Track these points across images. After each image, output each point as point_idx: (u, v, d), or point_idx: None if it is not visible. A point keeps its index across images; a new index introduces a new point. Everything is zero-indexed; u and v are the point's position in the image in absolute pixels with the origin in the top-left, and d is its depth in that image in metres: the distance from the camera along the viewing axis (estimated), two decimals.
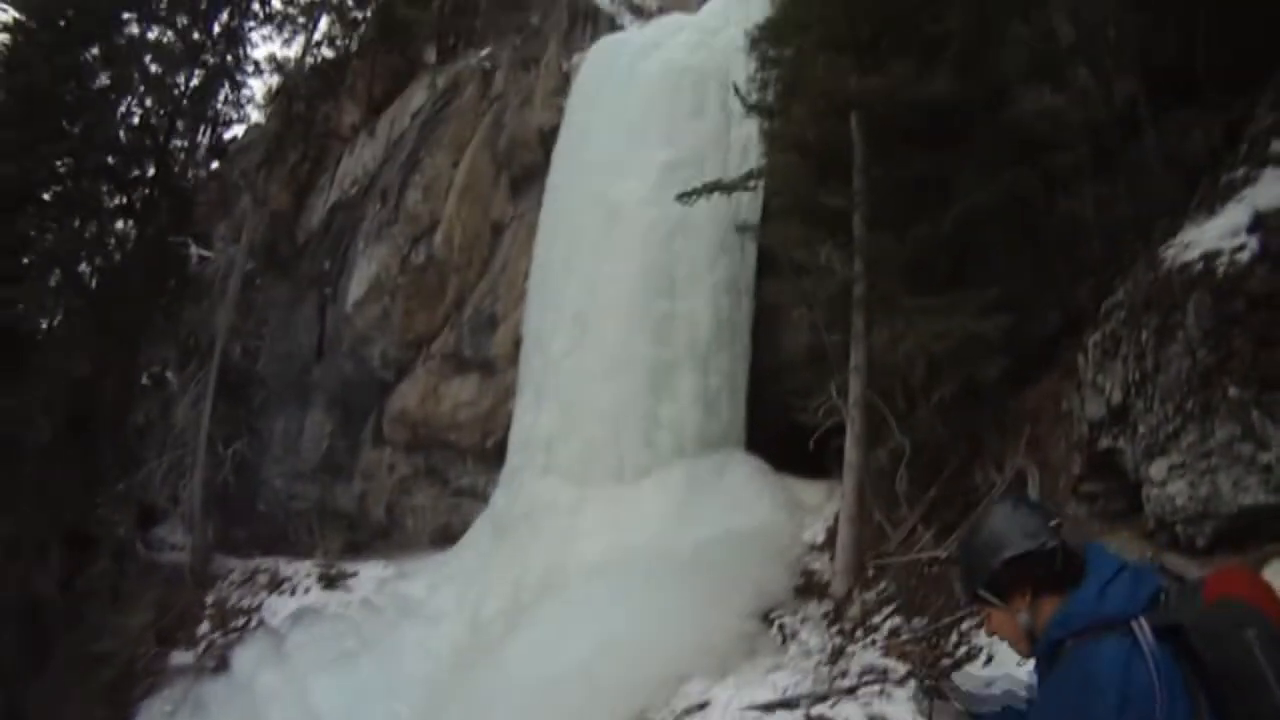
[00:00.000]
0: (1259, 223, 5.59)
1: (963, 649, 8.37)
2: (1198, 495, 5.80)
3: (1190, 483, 5.85)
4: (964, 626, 8.71)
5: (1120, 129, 9.03)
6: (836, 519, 10.38)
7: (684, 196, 11.98)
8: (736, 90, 12.79)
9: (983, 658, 8.07)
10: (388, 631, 12.60)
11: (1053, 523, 2.84)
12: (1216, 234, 5.91)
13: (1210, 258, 5.86)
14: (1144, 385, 6.54)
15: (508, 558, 10.97)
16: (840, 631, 9.59)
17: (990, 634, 3.19)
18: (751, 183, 12.40)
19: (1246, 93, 7.22)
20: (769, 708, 8.72)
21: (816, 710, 8.48)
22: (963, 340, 9.26)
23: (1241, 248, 5.64)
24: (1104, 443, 7.13)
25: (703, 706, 9.07)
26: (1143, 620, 2.66)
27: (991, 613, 3.04)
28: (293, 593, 15.25)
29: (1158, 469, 6.22)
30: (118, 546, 16.72)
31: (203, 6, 20.03)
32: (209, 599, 15.66)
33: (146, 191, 18.48)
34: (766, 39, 12.40)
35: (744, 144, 14.42)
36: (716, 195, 13.69)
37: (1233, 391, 5.59)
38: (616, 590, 9.59)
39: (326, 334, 19.77)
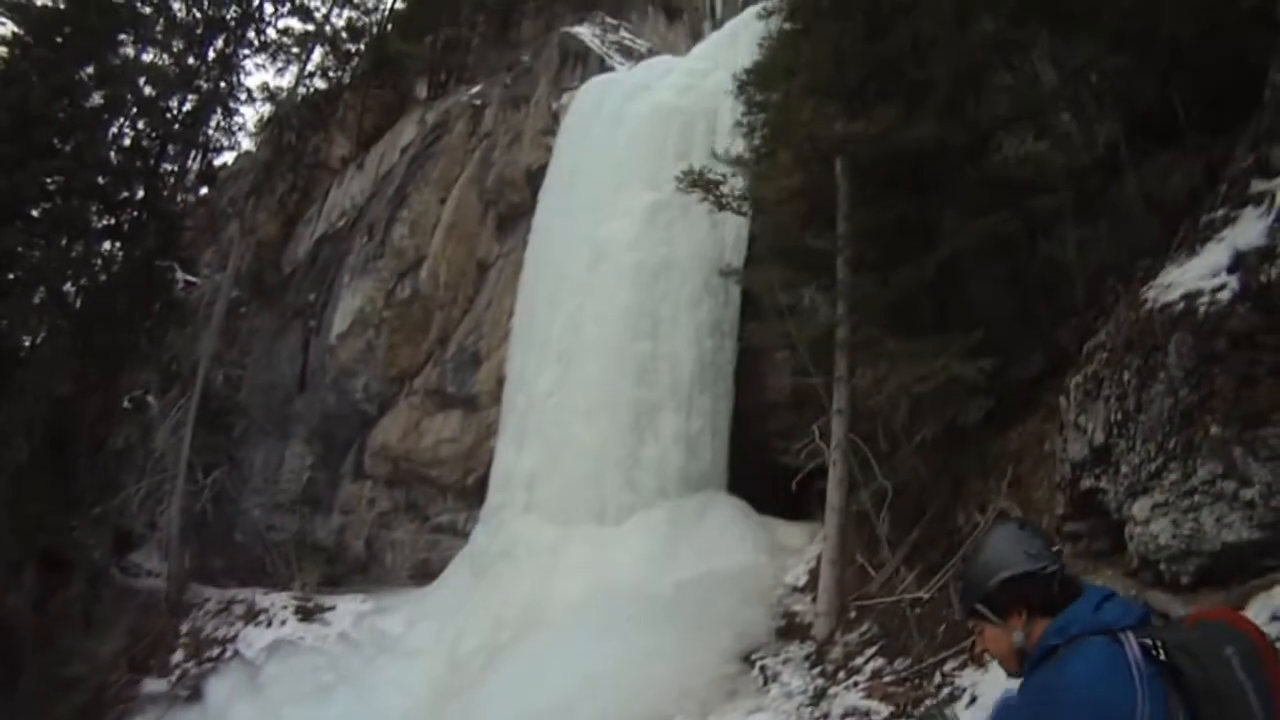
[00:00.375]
0: (1239, 262, 5.65)
1: (946, 690, 8.33)
2: (1181, 533, 5.81)
3: (1173, 521, 5.86)
4: (947, 667, 8.70)
5: (1102, 172, 9.15)
6: (818, 560, 10.34)
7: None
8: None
9: (966, 698, 8.04)
10: (364, 666, 12.42)
11: (1055, 548, 2.88)
12: (1197, 274, 5.96)
13: (1191, 297, 5.91)
14: (1126, 425, 6.58)
15: (487, 595, 10.85)
16: (822, 673, 9.50)
17: (980, 650, 3.21)
18: (740, 205, 12.42)
19: (1226, 133, 7.33)
20: None
21: None
22: (945, 382, 9.30)
23: (1222, 287, 5.70)
24: (1086, 483, 7.15)
25: None
26: (1130, 633, 2.67)
27: (985, 629, 3.06)
28: (269, 624, 15.03)
29: (1140, 508, 6.23)
30: (93, 570, 16.43)
31: (198, 31, 20.13)
32: (183, 627, 15.38)
33: (135, 214, 18.36)
34: (753, 83, 12.56)
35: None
36: (700, 237, 13.81)
37: (1215, 429, 5.62)
38: (597, 630, 9.49)
39: (309, 365, 19.75)
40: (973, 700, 7.91)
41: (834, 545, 9.99)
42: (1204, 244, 6.17)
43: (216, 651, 14.55)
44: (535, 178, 17.33)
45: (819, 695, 9.21)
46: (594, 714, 9.30)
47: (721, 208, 12.43)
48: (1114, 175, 8.95)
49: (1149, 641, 2.69)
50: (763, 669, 9.78)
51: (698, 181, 12.06)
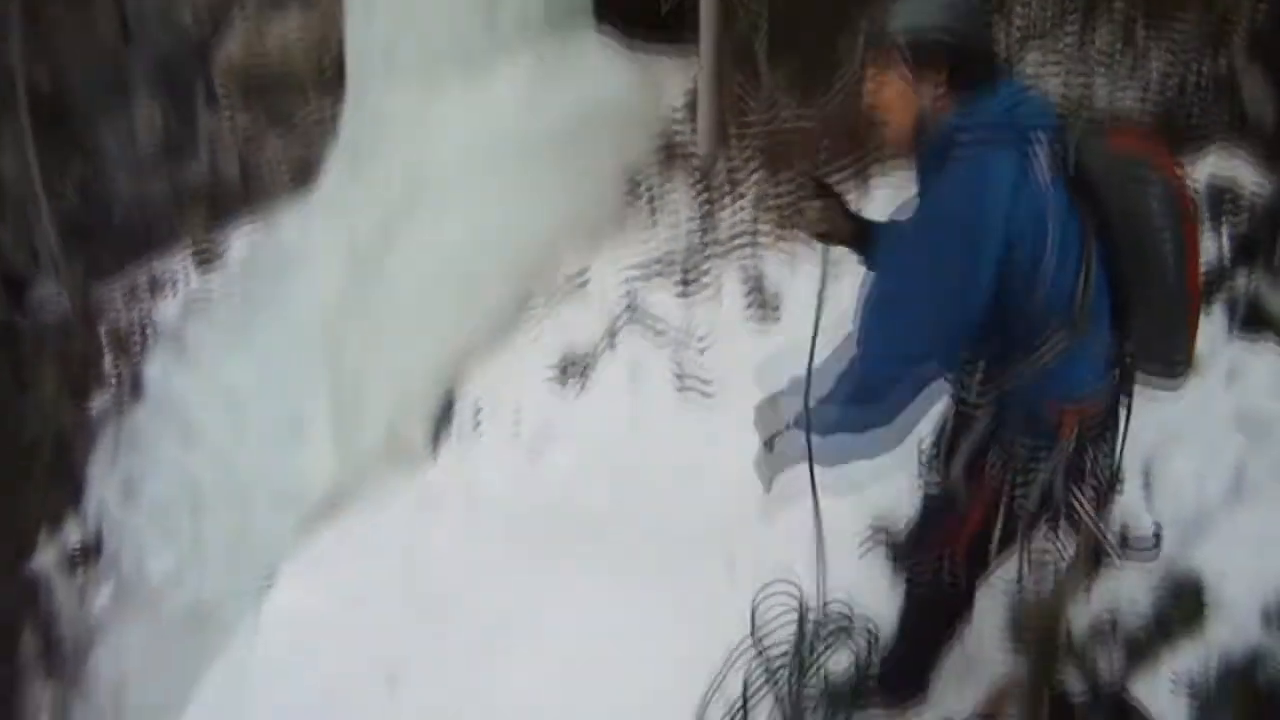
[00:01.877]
0: None
1: None
2: (1070, 93, 5.83)
3: (1064, 79, 5.85)
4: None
5: None
6: (696, 86, 10.24)
7: None
8: None
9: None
10: (273, 287, 12.32)
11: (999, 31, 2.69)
12: None
13: None
14: None
15: (369, 177, 10.54)
16: (708, 194, 9.73)
17: (870, 103, 3.03)
18: None
19: None
20: (645, 272, 9.02)
21: (691, 270, 8.81)
22: None
23: None
24: None
25: (582, 282, 9.35)
26: (1043, 135, 2.60)
27: (889, 79, 2.87)
28: (175, 288, 14.74)
29: (1032, 59, 6.20)
30: (2, 330, 15.77)
31: None
32: (102, 332, 14.95)
33: None
34: None
35: None
36: None
37: (1120, 4, 5.47)
38: (482, 183, 9.42)
39: (127, 11, 17.70)
40: None
41: (710, 66, 9.68)
42: None
43: (139, 340, 14.23)
44: None
45: (707, 215, 9.50)
46: (493, 266, 9.53)
47: None
48: None
49: (1063, 151, 2.66)
50: (649, 194, 9.97)
51: None
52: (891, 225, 3.40)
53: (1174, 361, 2.95)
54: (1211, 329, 5.05)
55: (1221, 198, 5.71)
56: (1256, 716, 3.29)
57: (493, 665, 5.90)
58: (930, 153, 2.86)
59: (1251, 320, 5.05)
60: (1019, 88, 2.88)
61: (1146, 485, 4.43)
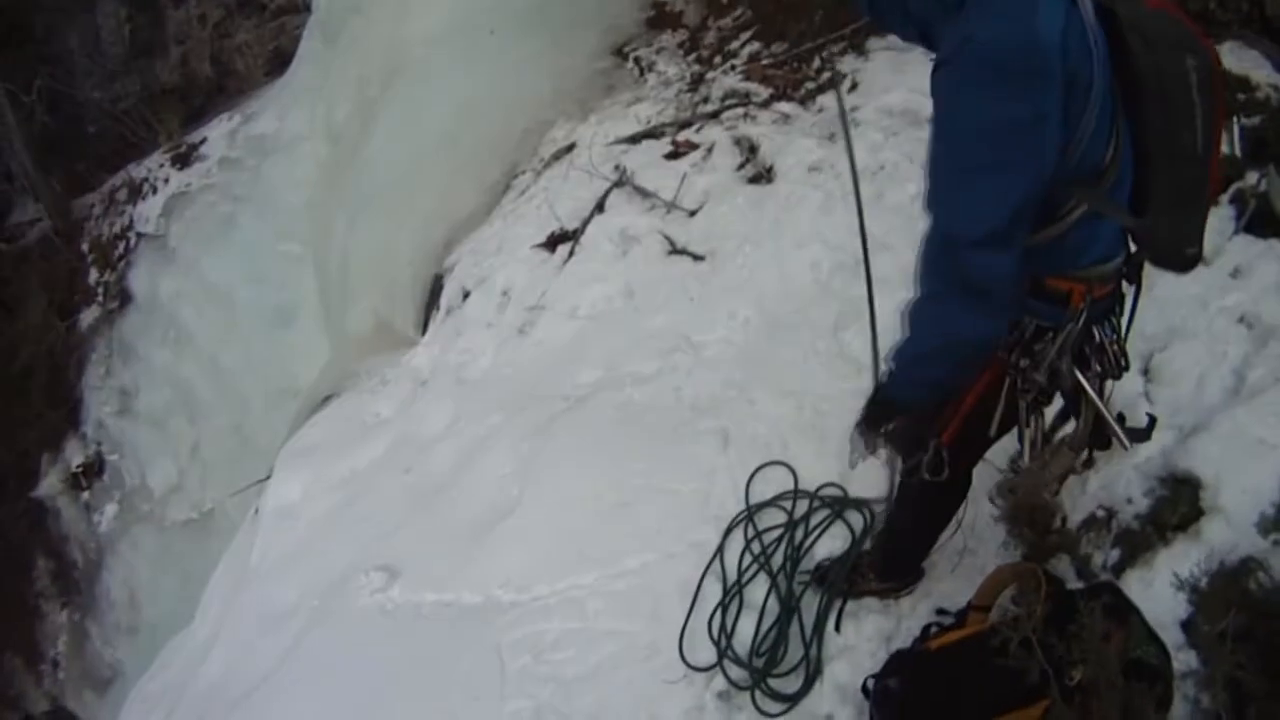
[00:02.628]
0: None
1: (827, 73, 8.24)
2: None
3: None
4: (826, 52, 8.58)
5: None
6: None
7: None
8: None
9: (846, 83, 7.80)
10: (253, 179, 11.98)
11: None
12: None
13: None
14: None
15: (346, 57, 10.13)
16: (698, 59, 9.39)
17: None
18: None
19: None
20: (634, 139, 8.71)
21: (682, 136, 8.48)
22: None
23: None
24: None
25: (569, 148, 9.01)
26: None
27: None
28: (154, 191, 14.30)
29: None
30: None
31: None
32: (84, 246, 14.66)
33: None
34: None
35: None
36: None
37: None
38: (463, 54, 9.03)
39: None
40: (854, 85, 7.78)
41: None
42: None
43: (121, 248, 13.99)
44: None
45: (697, 81, 9.18)
46: (479, 137, 9.23)
47: None
48: None
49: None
50: (637, 60, 9.62)
51: None
52: None
53: (1185, 245, 2.62)
54: (1219, 225, 4.81)
55: (1235, 94, 5.44)
56: (1247, 623, 3.09)
57: (488, 543, 5.67)
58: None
59: (1260, 220, 4.78)
60: None
61: (1146, 376, 4.33)
